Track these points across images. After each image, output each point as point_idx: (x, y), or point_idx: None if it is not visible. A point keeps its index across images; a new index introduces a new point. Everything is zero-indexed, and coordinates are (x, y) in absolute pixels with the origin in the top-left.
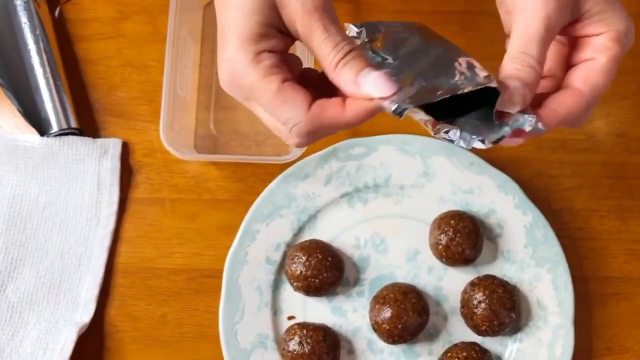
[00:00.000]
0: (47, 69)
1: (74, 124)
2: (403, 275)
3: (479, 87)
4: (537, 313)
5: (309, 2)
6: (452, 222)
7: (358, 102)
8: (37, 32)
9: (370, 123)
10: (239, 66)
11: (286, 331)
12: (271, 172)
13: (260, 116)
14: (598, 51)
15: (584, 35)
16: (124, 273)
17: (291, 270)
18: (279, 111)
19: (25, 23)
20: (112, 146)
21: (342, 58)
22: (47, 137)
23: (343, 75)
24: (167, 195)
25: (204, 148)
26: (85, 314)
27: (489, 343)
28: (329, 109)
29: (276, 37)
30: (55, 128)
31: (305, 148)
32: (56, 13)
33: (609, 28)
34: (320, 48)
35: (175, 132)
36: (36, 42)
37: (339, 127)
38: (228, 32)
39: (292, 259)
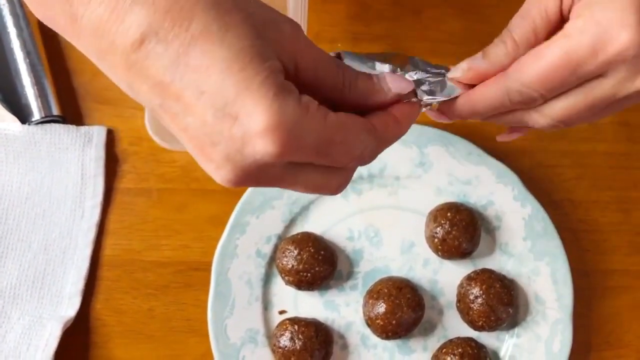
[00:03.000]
0: (28, 53)
1: (56, 111)
2: (398, 268)
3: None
4: (535, 307)
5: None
6: (448, 214)
7: (404, 108)
8: (18, 13)
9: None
10: (294, 124)
11: (277, 326)
12: None
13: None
14: (554, 37)
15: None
16: (109, 266)
17: (282, 264)
18: (354, 144)
19: (4, 4)
20: (96, 134)
21: (349, 75)
22: (29, 125)
23: (360, 86)
24: (154, 185)
25: None
26: (70, 308)
27: (486, 338)
28: (389, 123)
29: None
30: (37, 116)
31: None
32: None
33: (586, 17)
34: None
35: (159, 124)
36: (16, 25)
37: (396, 140)
38: (239, 96)
39: (283, 252)
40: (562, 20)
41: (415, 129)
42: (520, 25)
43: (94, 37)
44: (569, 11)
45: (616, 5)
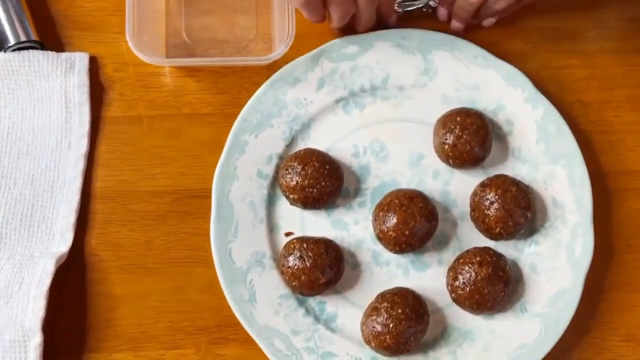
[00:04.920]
0: None
1: (33, 37)
2: (407, 182)
3: None
4: (553, 213)
5: None
6: (458, 119)
7: None
8: None
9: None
10: None
11: (285, 246)
12: (256, 80)
13: None
14: None
15: None
16: (102, 198)
17: (286, 182)
18: None
19: None
20: (78, 60)
21: None
22: (4, 52)
23: None
24: (144, 112)
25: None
26: (62, 244)
27: (503, 248)
28: None
29: None
30: (12, 41)
31: (288, 47)
32: None
33: None
34: None
35: (144, 42)
36: None
37: None
38: None
39: (287, 170)
40: None
41: (417, 35)
42: None
43: None
44: None
45: None
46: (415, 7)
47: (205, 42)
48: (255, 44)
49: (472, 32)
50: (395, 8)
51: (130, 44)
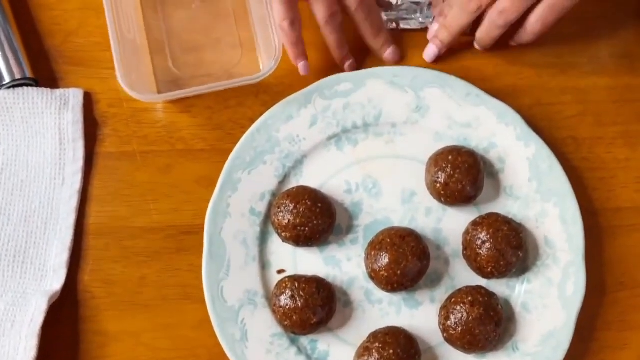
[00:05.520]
0: None
1: (28, 74)
2: (399, 219)
3: None
4: (545, 251)
5: None
6: (450, 157)
7: None
8: None
9: (357, 58)
10: None
11: (277, 285)
12: (250, 116)
13: None
14: None
15: None
16: (96, 235)
17: (278, 220)
18: None
19: None
20: (72, 97)
21: None
22: None
23: None
24: (138, 148)
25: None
26: (55, 281)
27: (495, 286)
28: None
29: None
30: (7, 79)
31: (276, 65)
32: None
33: None
34: None
35: (133, 81)
36: None
37: None
38: None
39: (279, 208)
40: None
41: (409, 72)
42: None
43: None
44: None
45: None
46: (410, 27)
47: (193, 69)
48: (242, 66)
49: (464, 67)
50: (387, 23)
51: (121, 83)
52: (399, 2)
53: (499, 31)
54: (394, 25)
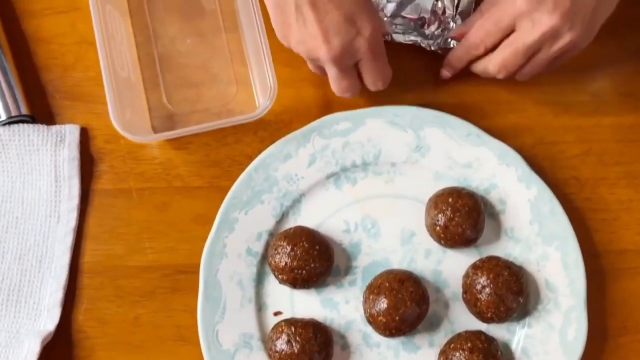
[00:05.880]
0: None
1: (24, 111)
2: (398, 260)
3: None
4: (546, 295)
5: None
6: (450, 200)
7: None
8: None
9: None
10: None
11: (273, 329)
12: (248, 153)
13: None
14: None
15: None
16: (90, 273)
17: (275, 262)
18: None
19: None
20: (69, 133)
21: None
22: None
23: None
24: (134, 185)
25: (164, 130)
26: (49, 321)
27: (495, 330)
28: None
29: None
30: (3, 116)
31: (271, 104)
32: None
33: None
34: None
35: (128, 118)
36: None
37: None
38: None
39: (276, 249)
40: None
41: (409, 112)
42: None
43: None
44: None
45: None
46: (406, 42)
47: (188, 105)
48: (238, 102)
49: (465, 103)
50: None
51: (114, 124)
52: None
53: (500, 76)
54: (388, 37)
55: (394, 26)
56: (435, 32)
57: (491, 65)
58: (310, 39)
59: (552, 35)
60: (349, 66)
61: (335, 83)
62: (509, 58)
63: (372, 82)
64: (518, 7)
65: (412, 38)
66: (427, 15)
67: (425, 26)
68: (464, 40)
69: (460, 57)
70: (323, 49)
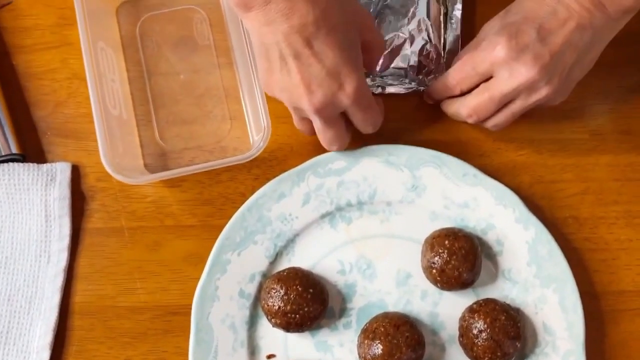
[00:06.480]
0: None
1: (15, 150)
2: (394, 302)
3: None
4: (544, 339)
5: None
6: (446, 242)
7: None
8: None
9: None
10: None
11: None
12: (242, 191)
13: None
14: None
15: None
16: (80, 314)
17: (268, 306)
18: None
19: None
20: (60, 172)
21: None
22: None
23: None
24: (126, 224)
25: (156, 168)
26: None
27: None
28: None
29: None
30: None
31: (265, 143)
32: None
33: (487, 38)
34: None
35: (119, 156)
36: None
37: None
38: (344, 67)
39: (269, 293)
40: None
41: (405, 151)
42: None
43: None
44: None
45: (496, 31)
46: (397, 92)
47: (181, 142)
48: (232, 139)
49: (461, 141)
50: (373, 88)
51: (105, 165)
52: (383, 69)
53: (470, 121)
54: (380, 90)
55: (385, 79)
56: (427, 79)
57: (463, 108)
58: (293, 88)
59: (528, 87)
60: (334, 117)
61: (321, 134)
62: (482, 103)
63: (362, 128)
64: (497, 55)
65: (407, 86)
66: (415, 62)
67: (415, 73)
68: (442, 78)
69: (438, 92)
70: (305, 99)
